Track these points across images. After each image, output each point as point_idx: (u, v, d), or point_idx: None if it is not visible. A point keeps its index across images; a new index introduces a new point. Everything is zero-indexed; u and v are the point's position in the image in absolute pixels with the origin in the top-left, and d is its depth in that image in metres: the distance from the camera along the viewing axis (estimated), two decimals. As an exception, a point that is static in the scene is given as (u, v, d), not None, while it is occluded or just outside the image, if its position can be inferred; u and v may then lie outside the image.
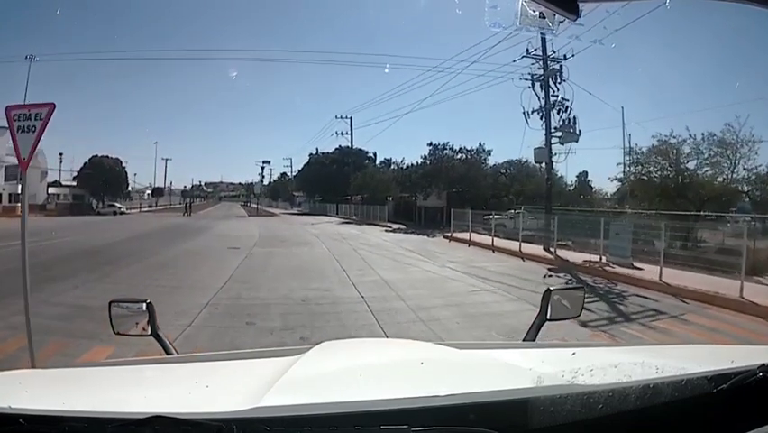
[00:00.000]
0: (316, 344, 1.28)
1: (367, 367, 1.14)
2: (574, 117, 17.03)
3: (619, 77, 44.54)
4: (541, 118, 17.18)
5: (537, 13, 1.13)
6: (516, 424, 0.80)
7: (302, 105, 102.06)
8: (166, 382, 1.13)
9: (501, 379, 1.00)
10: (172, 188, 79.56)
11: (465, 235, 19.55)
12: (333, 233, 23.07)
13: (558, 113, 16.75)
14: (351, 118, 43.16)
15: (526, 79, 17.47)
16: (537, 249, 15.54)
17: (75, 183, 46.13)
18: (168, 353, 1.65)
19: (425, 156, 30.46)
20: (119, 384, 1.09)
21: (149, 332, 1.65)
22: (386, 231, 25.11)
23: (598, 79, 50.29)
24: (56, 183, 46.27)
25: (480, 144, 29.95)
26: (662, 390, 0.85)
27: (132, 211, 46.98)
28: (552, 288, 1.75)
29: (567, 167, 46.15)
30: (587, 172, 28.49)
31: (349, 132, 43.75)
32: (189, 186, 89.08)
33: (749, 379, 0.89)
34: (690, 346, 1.84)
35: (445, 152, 29.79)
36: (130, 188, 60.64)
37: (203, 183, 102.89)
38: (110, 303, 1.65)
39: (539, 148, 16.89)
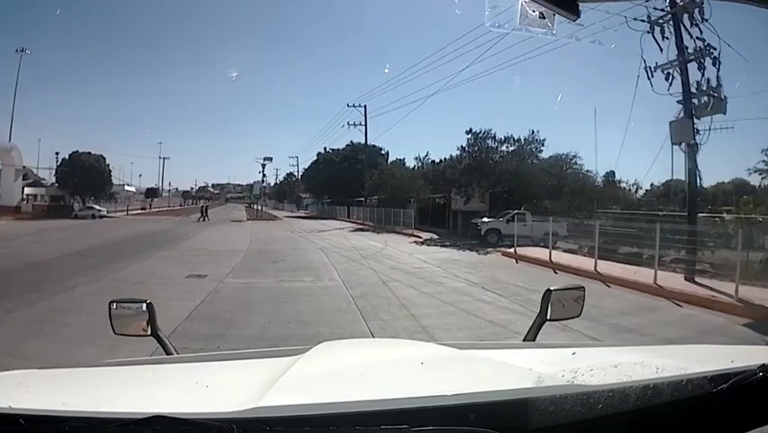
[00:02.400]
0: (316, 344, 1.26)
1: (367, 367, 1.15)
2: (718, 78, 10.92)
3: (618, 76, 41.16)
4: (666, 79, 11.09)
5: (537, 13, 1.14)
6: (516, 424, 0.80)
7: (311, 102, 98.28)
8: (166, 382, 1.13)
9: (501, 379, 1.01)
10: (173, 188, 75.75)
11: (533, 252, 13.57)
12: (346, 246, 17.16)
13: (699, 68, 10.62)
14: (365, 107, 37.41)
15: (643, 20, 11.45)
16: (670, 279, 9.92)
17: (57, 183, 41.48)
18: (168, 353, 1.65)
19: (462, 147, 24.30)
20: (119, 384, 1.09)
21: (149, 332, 1.63)
22: (417, 243, 19.17)
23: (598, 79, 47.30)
24: (36, 182, 40.91)
25: (532, 132, 23.62)
26: (662, 390, 0.86)
27: (119, 214, 41.48)
28: (552, 288, 1.71)
29: (597, 163, 40.61)
30: (614, 172, 23.74)
31: (362, 122, 37.84)
32: (194, 187, 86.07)
33: (749, 379, 0.89)
34: (690, 346, 1.73)
35: (487, 141, 23.56)
36: (127, 188, 57.63)
37: (210, 184, 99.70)
38: (110, 303, 1.63)
39: (677, 121, 10.73)
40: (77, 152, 40.59)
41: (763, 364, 0.91)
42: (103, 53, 74.13)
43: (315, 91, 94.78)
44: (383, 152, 43.74)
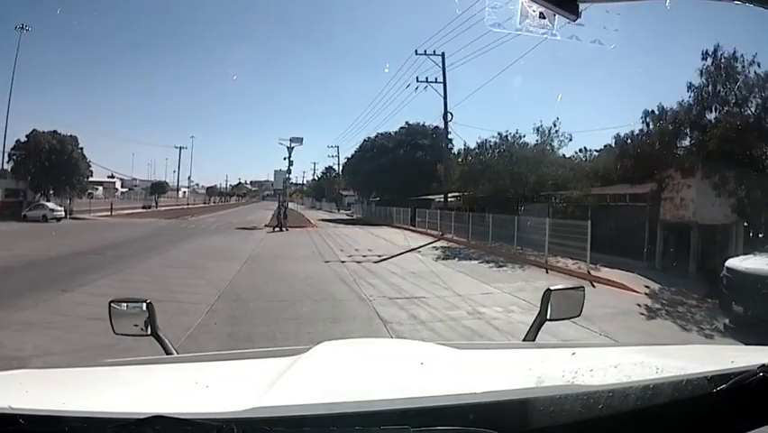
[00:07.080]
0: (316, 344, 1.36)
1: (367, 367, 1.23)
2: None
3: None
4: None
5: (537, 13, 1.18)
6: (516, 424, 0.86)
7: (351, 92, 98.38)
8: (166, 382, 1.22)
9: (501, 379, 1.08)
10: (201, 184, 74.83)
11: None
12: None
13: None
14: (443, 55, 25.34)
15: None
16: None
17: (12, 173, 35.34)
18: (167, 353, 1.76)
19: (692, 86, 11.28)
20: (119, 384, 1.18)
21: (148, 332, 1.74)
22: (682, 324, 6.57)
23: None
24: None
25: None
26: (662, 390, 0.91)
27: (100, 213, 35.28)
28: (551, 287, 1.82)
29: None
30: None
31: (438, 79, 26.21)
32: (222, 183, 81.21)
33: (749, 379, 0.95)
34: (690, 346, 1.84)
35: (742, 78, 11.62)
36: (130, 182, 50.03)
37: (248, 181, 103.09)
38: (110, 303, 1.76)
39: None
40: (35, 131, 31.27)
41: (763, 364, 0.95)
42: (135, 47, 77.73)
43: (357, 80, 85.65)
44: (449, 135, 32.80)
